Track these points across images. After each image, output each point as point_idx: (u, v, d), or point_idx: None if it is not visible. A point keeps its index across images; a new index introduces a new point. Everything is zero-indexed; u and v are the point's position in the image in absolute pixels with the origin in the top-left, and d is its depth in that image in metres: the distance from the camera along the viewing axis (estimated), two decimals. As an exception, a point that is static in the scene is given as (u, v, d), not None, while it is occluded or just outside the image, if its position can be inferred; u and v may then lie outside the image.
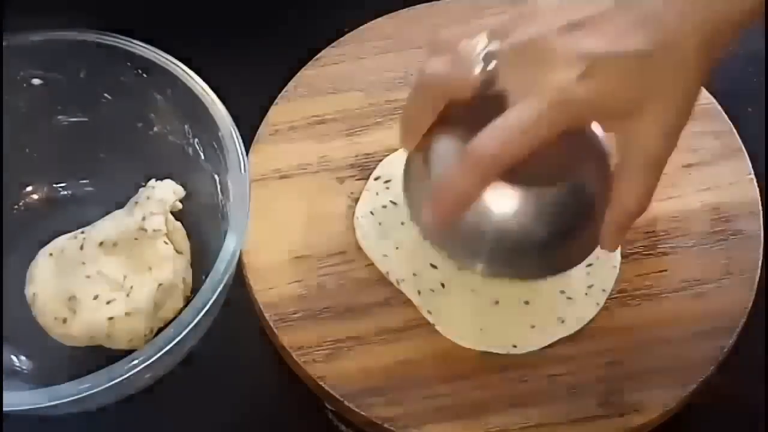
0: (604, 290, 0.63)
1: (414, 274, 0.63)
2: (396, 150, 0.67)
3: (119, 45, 0.63)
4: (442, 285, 0.63)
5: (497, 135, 0.51)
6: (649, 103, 0.52)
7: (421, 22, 0.73)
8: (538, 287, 0.62)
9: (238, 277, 0.62)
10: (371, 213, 0.65)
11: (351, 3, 0.75)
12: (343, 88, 0.70)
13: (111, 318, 0.60)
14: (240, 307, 0.63)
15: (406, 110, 0.57)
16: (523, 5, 0.54)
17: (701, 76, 0.53)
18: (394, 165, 0.66)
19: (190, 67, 0.63)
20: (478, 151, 0.51)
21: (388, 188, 0.66)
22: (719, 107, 0.69)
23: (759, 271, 0.63)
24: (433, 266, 0.63)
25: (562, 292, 0.63)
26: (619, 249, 0.64)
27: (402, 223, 0.65)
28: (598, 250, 0.57)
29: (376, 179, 0.67)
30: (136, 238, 0.62)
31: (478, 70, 0.52)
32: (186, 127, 0.64)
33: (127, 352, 0.55)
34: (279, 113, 0.69)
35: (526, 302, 0.63)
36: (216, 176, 0.63)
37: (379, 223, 0.65)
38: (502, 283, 0.60)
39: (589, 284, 0.63)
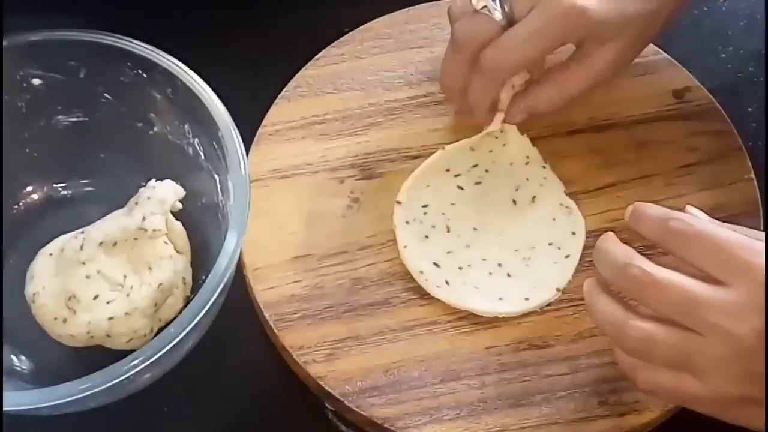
0: (603, 290, 0.63)
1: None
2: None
3: (119, 45, 0.63)
4: (460, 268, 0.63)
5: (503, 46, 0.61)
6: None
7: (421, 22, 0.73)
8: (538, 284, 0.63)
9: (238, 277, 0.62)
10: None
11: (351, 3, 0.75)
12: (342, 88, 0.70)
13: (111, 318, 0.60)
14: (240, 307, 0.63)
15: (472, 95, 0.64)
16: None
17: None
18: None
19: (190, 67, 0.63)
20: (486, 65, 0.62)
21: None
22: (719, 107, 0.69)
23: (759, 271, 0.63)
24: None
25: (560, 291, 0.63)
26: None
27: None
28: None
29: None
30: (136, 238, 0.62)
31: (498, 16, 0.61)
32: (186, 127, 0.64)
33: (127, 352, 0.55)
34: (279, 113, 0.69)
35: (526, 298, 0.63)
36: (216, 176, 0.63)
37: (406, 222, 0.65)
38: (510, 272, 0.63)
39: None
